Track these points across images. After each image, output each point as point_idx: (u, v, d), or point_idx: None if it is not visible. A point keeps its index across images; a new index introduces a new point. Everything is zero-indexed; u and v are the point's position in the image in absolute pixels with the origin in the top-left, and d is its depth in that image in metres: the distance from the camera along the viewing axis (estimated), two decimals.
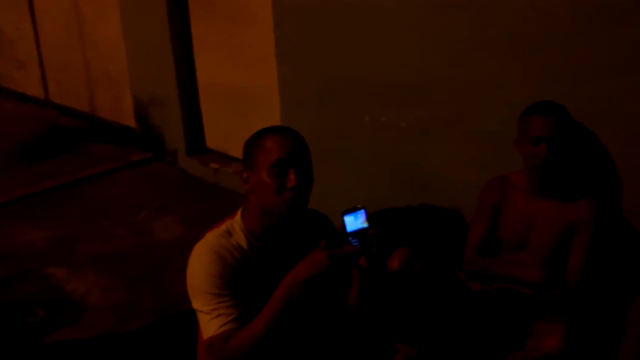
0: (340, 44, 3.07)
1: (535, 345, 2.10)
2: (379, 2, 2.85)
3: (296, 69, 3.34)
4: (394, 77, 2.89)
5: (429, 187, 2.89)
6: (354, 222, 1.59)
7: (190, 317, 1.74)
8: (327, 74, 3.17)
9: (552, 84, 2.38)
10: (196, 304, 1.64)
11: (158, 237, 3.54)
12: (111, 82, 5.02)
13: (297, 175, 1.60)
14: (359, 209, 1.60)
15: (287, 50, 3.35)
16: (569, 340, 2.07)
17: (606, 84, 2.25)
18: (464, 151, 2.73)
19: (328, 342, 1.82)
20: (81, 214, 3.85)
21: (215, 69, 4.18)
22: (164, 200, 3.99)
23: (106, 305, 2.94)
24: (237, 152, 1.82)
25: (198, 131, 4.43)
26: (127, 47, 4.57)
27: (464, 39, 2.61)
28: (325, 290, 1.59)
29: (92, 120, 5.30)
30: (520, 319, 2.22)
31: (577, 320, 2.19)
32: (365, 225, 1.59)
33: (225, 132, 4.27)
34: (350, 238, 1.58)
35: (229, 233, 1.68)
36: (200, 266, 1.63)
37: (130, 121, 4.87)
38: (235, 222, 1.71)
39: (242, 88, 4.01)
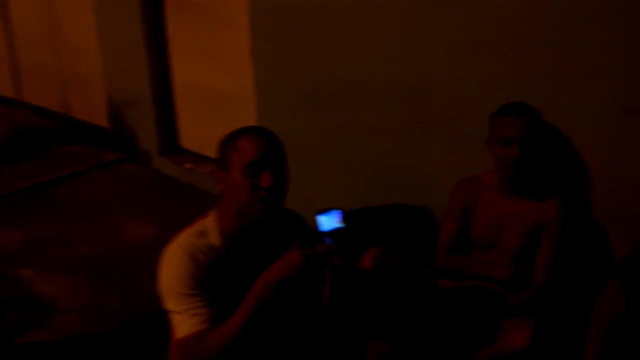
0: (317, 45, 3.08)
1: (504, 342, 2.15)
2: (357, 3, 2.86)
3: (273, 69, 3.34)
4: (371, 78, 2.89)
5: (410, 188, 2.88)
6: (328, 221, 1.60)
7: (161, 319, 1.73)
8: (304, 75, 3.17)
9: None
10: (169, 305, 1.62)
11: (130, 239, 3.51)
12: (85, 83, 4.96)
13: (272, 175, 1.60)
14: (334, 209, 1.61)
15: (264, 51, 3.35)
16: (537, 337, 2.12)
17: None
18: (450, 152, 2.72)
19: (301, 340, 1.82)
20: (53, 216, 3.79)
21: (192, 69, 4.16)
22: (137, 201, 3.95)
23: (75, 307, 2.90)
24: (212, 152, 1.81)
25: (172, 131, 4.41)
26: (101, 47, 4.53)
27: (432, 43, 2.62)
28: (299, 290, 1.60)
29: (66, 120, 5.22)
30: (489, 316, 2.25)
31: (545, 317, 2.22)
32: (341, 225, 1.60)
33: (201, 133, 4.25)
34: (323, 237, 1.59)
35: (202, 233, 1.67)
36: (173, 267, 1.62)
37: (103, 122, 4.82)
38: (209, 222, 1.70)
39: (218, 89, 4.00)
